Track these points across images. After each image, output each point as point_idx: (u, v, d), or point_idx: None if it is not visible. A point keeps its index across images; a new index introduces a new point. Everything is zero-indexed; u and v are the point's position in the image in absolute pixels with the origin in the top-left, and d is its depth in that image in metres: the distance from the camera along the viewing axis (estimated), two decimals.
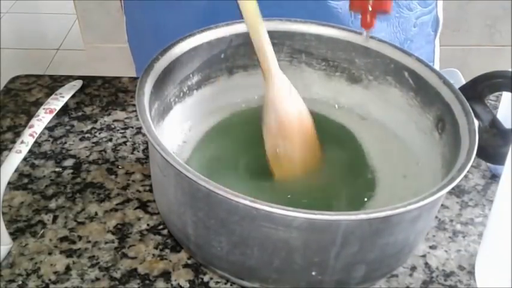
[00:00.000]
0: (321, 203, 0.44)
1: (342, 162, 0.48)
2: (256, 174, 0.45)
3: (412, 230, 0.38)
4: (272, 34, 0.44)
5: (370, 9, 0.44)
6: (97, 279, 0.43)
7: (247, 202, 0.33)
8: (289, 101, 0.45)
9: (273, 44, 0.49)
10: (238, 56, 0.50)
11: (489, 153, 0.43)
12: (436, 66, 0.72)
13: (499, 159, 0.42)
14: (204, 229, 0.38)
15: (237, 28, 0.48)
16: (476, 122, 0.41)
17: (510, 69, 0.42)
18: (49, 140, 0.56)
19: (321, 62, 0.51)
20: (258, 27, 0.43)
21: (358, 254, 0.36)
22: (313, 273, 0.37)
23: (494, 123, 0.43)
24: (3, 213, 0.47)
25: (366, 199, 0.44)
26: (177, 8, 0.63)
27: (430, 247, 0.47)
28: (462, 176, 0.36)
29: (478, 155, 0.40)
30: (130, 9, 0.72)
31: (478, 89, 0.43)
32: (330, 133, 0.49)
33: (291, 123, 0.45)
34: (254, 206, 0.33)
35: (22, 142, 0.49)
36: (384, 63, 0.49)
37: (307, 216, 0.33)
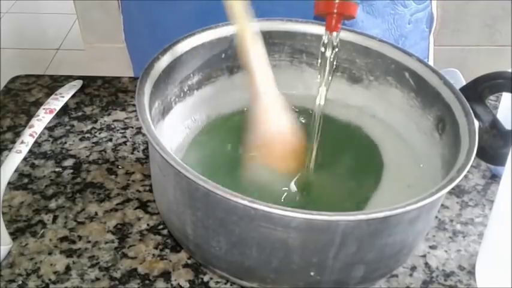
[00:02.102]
0: (321, 201, 0.44)
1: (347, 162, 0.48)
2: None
3: (411, 231, 0.38)
4: (273, 34, 0.44)
5: (335, 11, 0.42)
6: (97, 279, 0.43)
7: (245, 202, 0.33)
8: (275, 122, 0.45)
9: (274, 44, 0.49)
10: (239, 56, 0.49)
11: (489, 154, 0.43)
12: (431, 63, 0.72)
13: (499, 160, 0.42)
14: (202, 229, 0.38)
15: None
16: (476, 123, 0.41)
17: (510, 70, 0.42)
18: (49, 140, 0.56)
19: None
20: (245, 31, 0.42)
21: (357, 255, 0.36)
22: (312, 273, 0.37)
23: (495, 124, 0.43)
24: (3, 213, 0.47)
25: (366, 200, 0.44)
26: (174, 7, 0.63)
27: (430, 247, 0.47)
28: (461, 176, 0.36)
29: (478, 155, 0.40)
30: (128, 8, 0.72)
31: (479, 90, 0.43)
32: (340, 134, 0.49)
33: (273, 145, 0.45)
34: (252, 206, 0.33)
35: (22, 142, 0.49)
36: (384, 64, 0.49)
37: (305, 216, 0.33)
